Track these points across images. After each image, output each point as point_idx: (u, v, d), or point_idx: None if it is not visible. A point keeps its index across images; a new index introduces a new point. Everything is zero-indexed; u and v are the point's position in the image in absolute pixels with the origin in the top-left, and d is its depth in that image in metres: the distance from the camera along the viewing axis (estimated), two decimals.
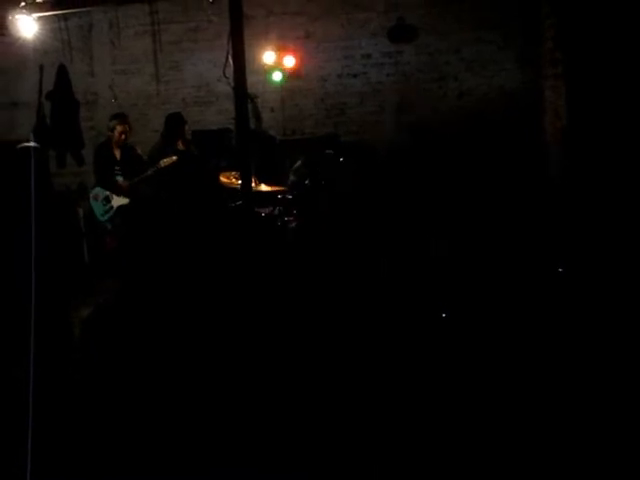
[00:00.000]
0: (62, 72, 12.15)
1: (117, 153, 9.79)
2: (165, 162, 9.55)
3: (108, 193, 9.69)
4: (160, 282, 8.47)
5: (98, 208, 9.70)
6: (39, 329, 4.25)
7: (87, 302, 8.35)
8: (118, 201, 9.69)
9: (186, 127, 10.22)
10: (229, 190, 9.53)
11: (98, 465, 4.83)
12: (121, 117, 9.89)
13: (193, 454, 4.89)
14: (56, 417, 5.12)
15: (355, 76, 12.26)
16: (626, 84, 8.93)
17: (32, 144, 7.99)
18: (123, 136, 9.76)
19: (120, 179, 9.71)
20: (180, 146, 10.01)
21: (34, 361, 3.94)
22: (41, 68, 10.82)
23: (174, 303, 7.73)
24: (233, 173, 9.58)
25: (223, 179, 9.75)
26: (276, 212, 9.34)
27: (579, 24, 9.85)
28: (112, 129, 9.77)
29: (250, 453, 4.86)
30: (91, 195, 9.80)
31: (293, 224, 9.37)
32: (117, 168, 9.75)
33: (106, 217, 9.68)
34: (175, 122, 10.14)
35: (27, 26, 10.04)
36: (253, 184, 8.82)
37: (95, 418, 5.44)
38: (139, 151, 10.03)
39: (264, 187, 9.48)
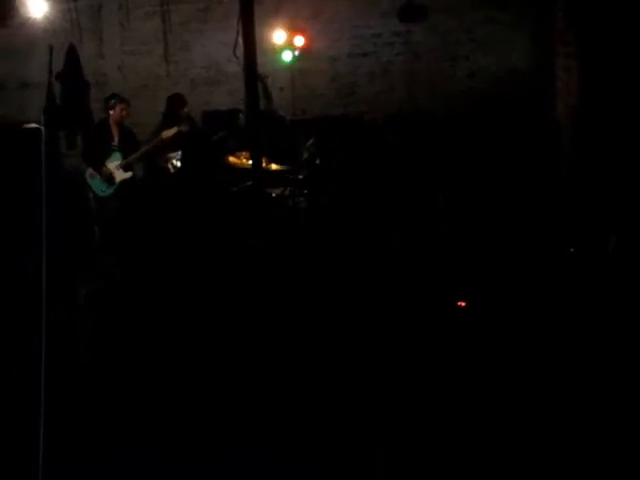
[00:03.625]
0: (72, 53, 12.10)
1: (115, 132, 9.78)
2: (166, 134, 9.57)
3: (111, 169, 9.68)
4: (164, 262, 8.48)
5: (97, 185, 9.68)
6: (49, 311, 4.26)
7: (95, 282, 8.38)
8: (120, 176, 9.67)
9: (185, 109, 10.24)
10: (239, 170, 9.54)
11: (109, 446, 4.85)
12: (119, 96, 9.89)
13: (204, 437, 4.90)
14: (65, 397, 5.13)
15: (365, 55, 12.19)
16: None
17: (40, 126, 7.94)
18: (124, 112, 9.77)
19: (118, 156, 9.69)
20: (183, 127, 10.01)
21: (45, 342, 3.95)
22: (51, 49, 10.81)
23: (178, 284, 7.73)
24: (243, 153, 9.59)
25: (233, 159, 9.75)
26: (287, 192, 9.34)
27: (591, 2, 9.76)
28: (112, 107, 9.76)
29: (261, 438, 4.86)
30: (87, 174, 9.75)
31: (304, 204, 9.36)
32: (115, 146, 9.73)
33: (107, 193, 9.65)
34: (173, 102, 10.21)
35: (36, 6, 10.02)
36: (263, 164, 8.83)
37: (103, 398, 5.46)
38: (134, 133, 10.06)
39: (274, 166, 9.49)
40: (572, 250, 7.60)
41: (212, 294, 7.32)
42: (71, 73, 12.10)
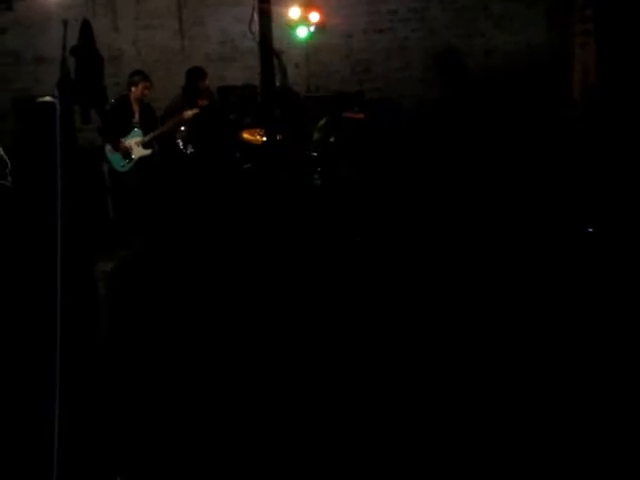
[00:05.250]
0: (86, 27, 12.06)
1: (136, 109, 9.76)
2: (188, 114, 9.58)
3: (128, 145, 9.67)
4: (183, 236, 8.47)
5: (116, 160, 9.66)
6: (64, 285, 4.25)
7: (111, 257, 8.38)
8: (139, 152, 9.65)
9: (206, 82, 10.22)
10: (253, 147, 9.51)
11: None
12: (144, 74, 9.86)
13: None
14: (84, 374, 5.13)
15: (381, 32, 12.11)
16: None
17: (54, 99, 7.98)
18: (146, 91, 9.74)
19: (138, 132, 9.68)
20: (203, 101, 10.01)
21: (61, 317, 3.95)
22: (65, 23, 10.80)
23: (198, 258, 7.71)
24: (257, 129, 9.56)
25: (247, 135, 9.72)
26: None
27: None
28: (135, 84, 9.72)
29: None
30: (107, 148, 9.75)
31: (317, 182, 9.35)
32: (135, 122, 9.71)
33: (126, 168, 9.65)
34: (194, 76, 10.19)
35: None
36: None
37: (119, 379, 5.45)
38: (154, 110, 10.05)
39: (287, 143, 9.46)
40: (591, 230, 7.53)
41: (229, 270, 7.31)
42: (85, 48, 12.07)
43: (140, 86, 9.68)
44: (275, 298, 6.59)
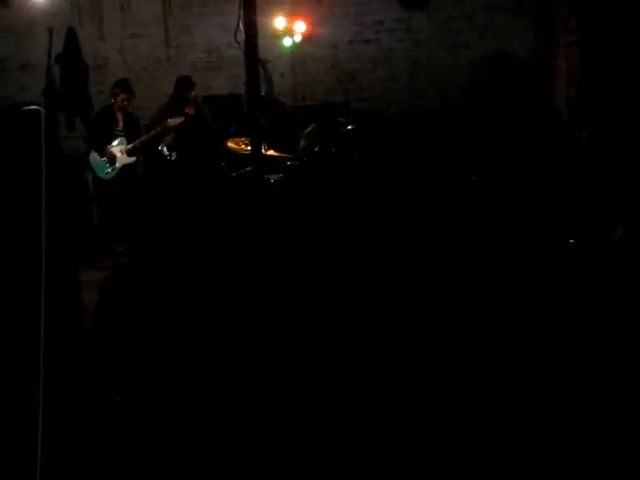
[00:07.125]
0: (71, 35, 12.08)
1: (120, 117, 9.78)
2: (173, 122, 9.58)
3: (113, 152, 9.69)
4: (178, 245, 8.45)
5: (101, 167, 9.66)
6: (48, 293, 4.25)
7: (97, 266, 8.36)
8: (123, 160, 9.67)
9: (193, 93, 10.24)
10: (238, 156, 9.52)
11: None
12: (125, 85, 9.87)
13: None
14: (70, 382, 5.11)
15: (366, 42, 12.17)
16: None
17: (41, 108, 7.99)
18: (125, 102, 9.76)
19: (122, 140, 9.69)
20: (190, 110, 10.03)
21: (45, 327, 3.95)
22: (50, 31, 10.74)
23: (192, 267, 7.69)
24: (242, 139, 9.57)
25: (232, 145, 9.73)
26: (286, 179, 9.33)
27: None
28: (115, 95, 9.76)
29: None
30: (90, 156, 9.75)
31: (302, 191, 9.35)
32: (119, 130, 9.73)
33: (110, 175, 9.66)
34: (182, 85, 10.20)
35: None
36: (262, 150, 8.80)
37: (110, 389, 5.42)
38: (138, 119, 10.07)
39: (272, 153, 9.47)
40: (572, 241, 7.54)
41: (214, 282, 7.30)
42: (70, 56, 12.08)
43: (119, 98, 9.70)
44: (265, 303, 6.58)
